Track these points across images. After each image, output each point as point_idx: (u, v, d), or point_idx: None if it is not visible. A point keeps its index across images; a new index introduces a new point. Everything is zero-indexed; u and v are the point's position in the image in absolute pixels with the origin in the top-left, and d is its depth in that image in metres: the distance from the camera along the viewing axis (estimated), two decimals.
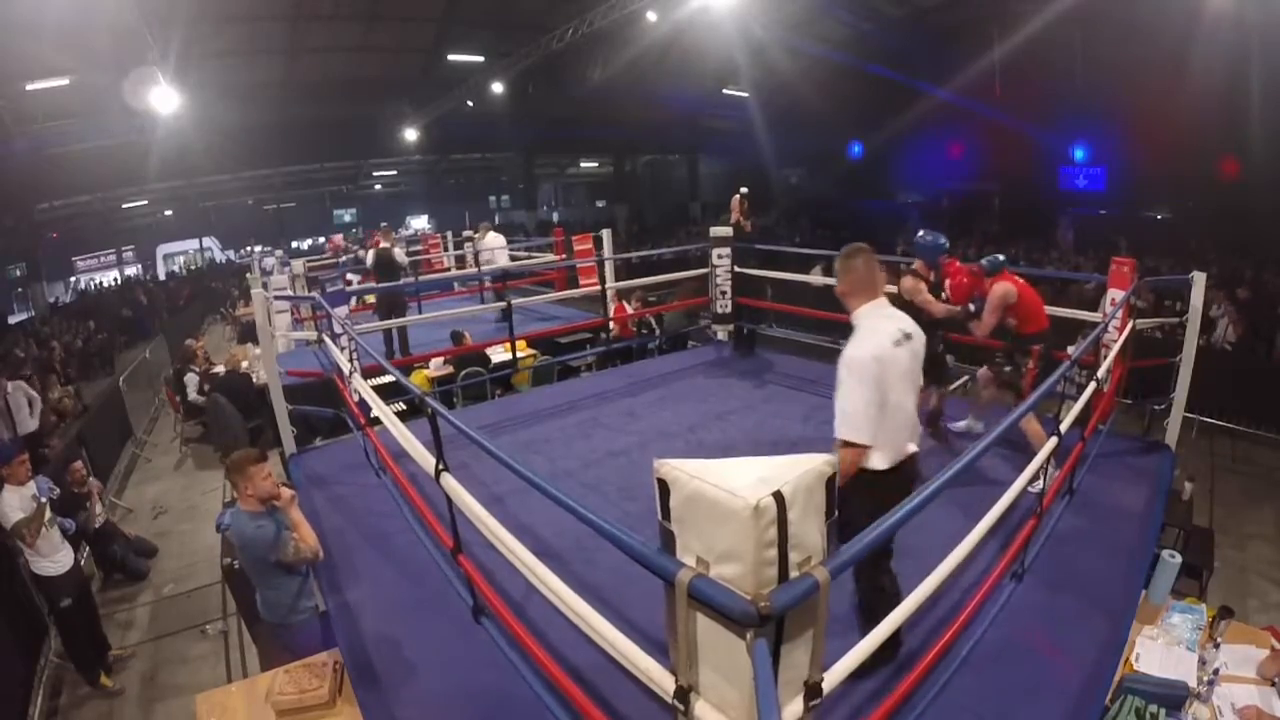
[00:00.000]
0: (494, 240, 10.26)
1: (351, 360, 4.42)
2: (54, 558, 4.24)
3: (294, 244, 22.91)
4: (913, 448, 2.36)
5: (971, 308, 4.06)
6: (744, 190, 6.27)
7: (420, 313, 8.81)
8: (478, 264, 10.26)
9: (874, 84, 18.36)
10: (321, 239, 24.64)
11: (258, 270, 11.96)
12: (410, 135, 20.29)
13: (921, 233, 4.30)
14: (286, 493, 2.95)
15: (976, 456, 1.89)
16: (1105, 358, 3.89)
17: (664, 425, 4.82)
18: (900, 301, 3.71)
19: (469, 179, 28.20)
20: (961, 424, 4.42)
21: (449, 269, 12.09)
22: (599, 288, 6.65)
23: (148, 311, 18.05)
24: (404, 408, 5.31)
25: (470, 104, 18.61)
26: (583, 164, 29.53)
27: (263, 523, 2.75)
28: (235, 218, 24.68)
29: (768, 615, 1.16)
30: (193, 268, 24.91)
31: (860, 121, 20.41)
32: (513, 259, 10.66)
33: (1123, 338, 3.91)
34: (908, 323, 2.36)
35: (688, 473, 1.36)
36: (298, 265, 10.83)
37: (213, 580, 5.32)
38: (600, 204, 30.07)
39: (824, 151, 22.40)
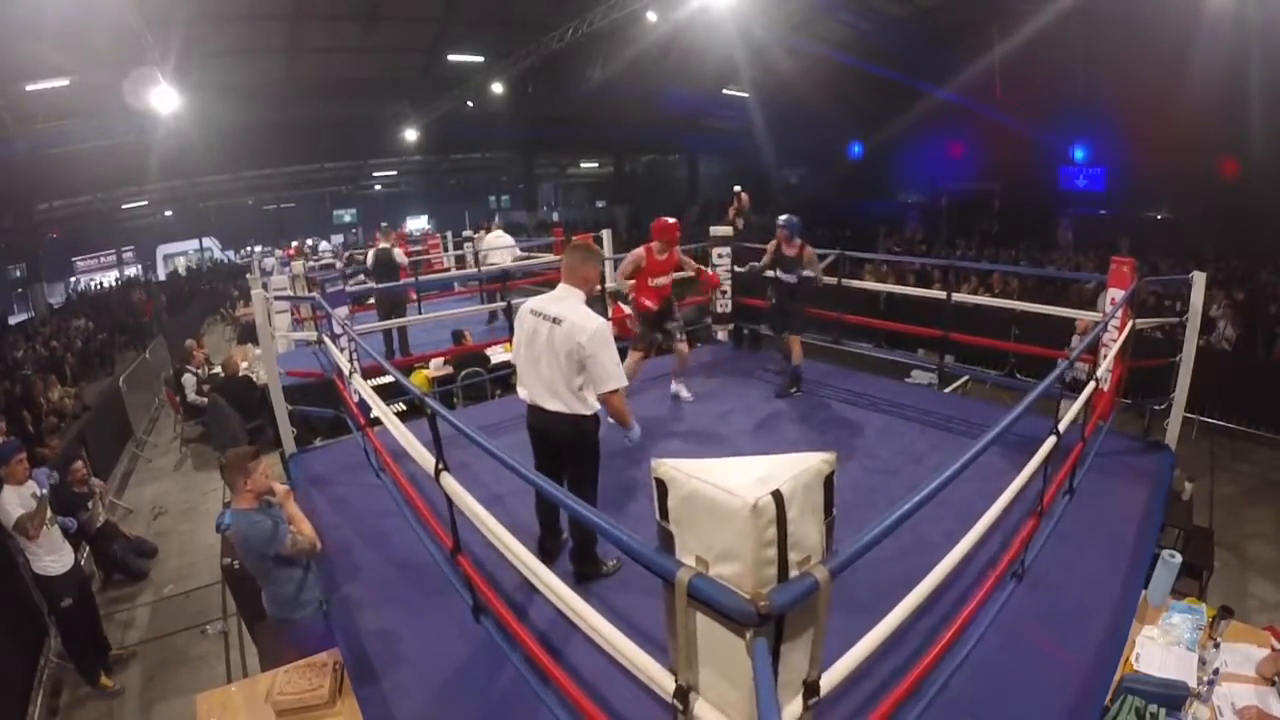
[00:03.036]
0: (494, 240, 10.06)
1: (351, 360, 4.42)
2: (55, 556, 4.24)
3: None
4: (533, 401, 2.91)
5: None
6: (736, 188, 6.31)
7: (420, 312, 8.80)
8: (477, 264, 10.21)
9: (874, 84, 18.34)
10: (322, 240, 24.68)
11: (258, 270, 11.98)
12: (410, 135, 20.27)
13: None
14: (282, 488, 2.98)
15: (975, 456, 1.89)
16: (1105, 357, 3.89)
17: (664, 425, 4.82)
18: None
19: (469, 179, 28.17)
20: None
21: (449, 269, 12.10)
22: (599, 287, 6.63)
23: (143, 313, 18.02)
24: (404, 408, 5.31)
25: (470, 104, 18.60)
26: (583, 164, 29.49)
27: (260, 518, 2.77)
28: (235, 218, 24.66)
29: (767, 615, 1.16)
30: (181, 272, 24.82)
31: (860, 121, 20.41)
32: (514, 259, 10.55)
33: (1122, 337, 3.91)
34: (560, 310, 2.82)
35: (686, 472, 1.36)
36: (298, 265, 10.83)
37: (213, 580, 5.32)
38: (600, 204, 30.05)
39: (824, 151, 22.39)
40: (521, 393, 2.98)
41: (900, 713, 2.12)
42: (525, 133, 21.43)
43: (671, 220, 4.80)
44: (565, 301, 2.86)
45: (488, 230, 10.81)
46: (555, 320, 2.79)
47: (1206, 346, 7.19)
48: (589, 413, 2.87)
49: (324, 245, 18.54)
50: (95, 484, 5.66)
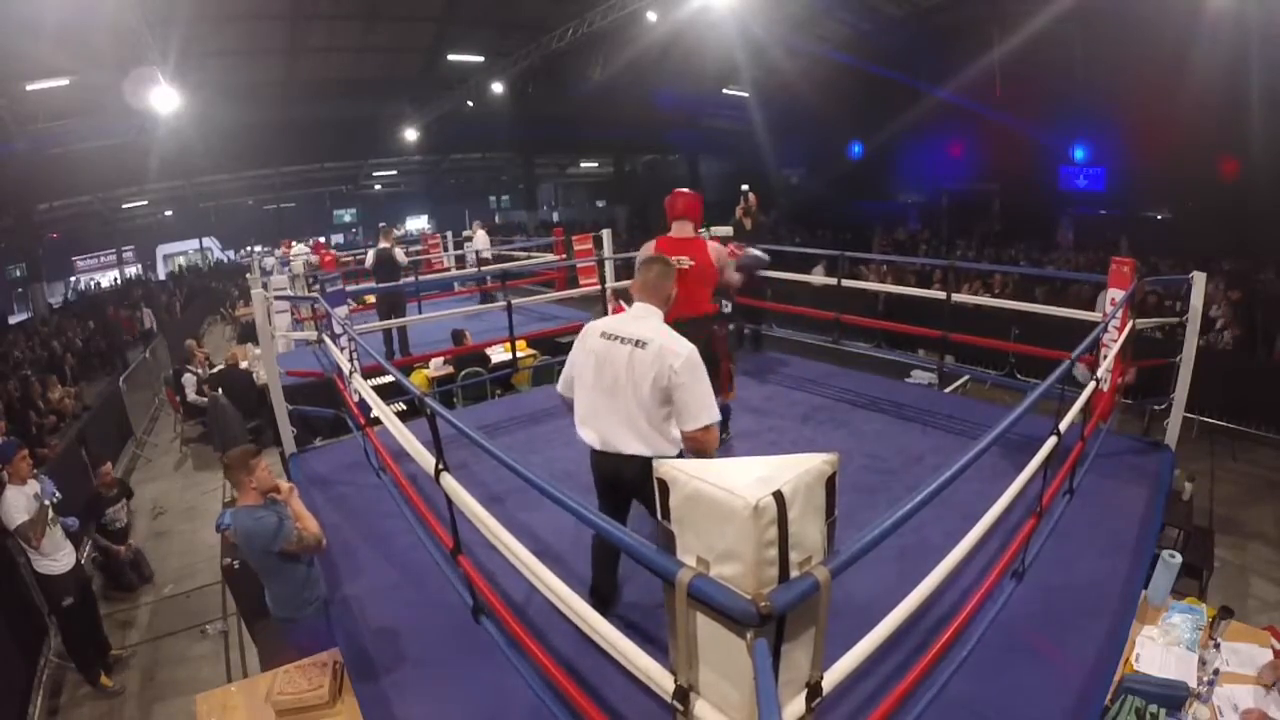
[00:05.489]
0: (482, 239, 11.17)
1: (351, 360, 4.42)
2: (56, 556, 4.24)
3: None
4: (607, 444, 2.44)
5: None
6: (744, 187, 6.33)
7: (420, 313, 8.83)
8: (466, 263, 10.76)
9: (874, 84, 18.35)
10: (322, 239, 24.70)
11: (257, 270, 12.00)
12: (410, 135, 20.29)
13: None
14: (286, 485, 2.98)
15: (976, 456, 1.89)
16: (1105, 358, 3.89)
17: None
18: None
19: (469, 179, 28.22)
20: None
21: (449, 269, 12.13)
22: (599, 288, 6.65)
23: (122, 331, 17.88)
24: (404, 408, 5.31)
25: (470, 104, 18.61)
26: (583, 164, 29.53)
27: (264, 514, 2.77)
28: (235, 218, 24.71)
29: (768, 615, 1.16)
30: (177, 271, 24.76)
31: (860, 121, 20.39)
32: (510, 258, 11.19)
33: (1122, 337, 3.91)
34: (643, 332, 2.39)
35: (687, 472, 1.36)
36: (297, 265, 10.87)
37: (213, 580, 5.32)
38: (600, 204, 30.07)
39: (824, 151, 22.38)
40: (586, 435, 2.49)
41: (900, 713, 2.12)
42: (525, 133, 21.44)
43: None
44: (646, 321, 2.44)
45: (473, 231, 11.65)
46: (638, 343, 2.35)
47: (1206, 346, 7.18)
48: (674, 451, 2.39)
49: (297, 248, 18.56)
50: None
